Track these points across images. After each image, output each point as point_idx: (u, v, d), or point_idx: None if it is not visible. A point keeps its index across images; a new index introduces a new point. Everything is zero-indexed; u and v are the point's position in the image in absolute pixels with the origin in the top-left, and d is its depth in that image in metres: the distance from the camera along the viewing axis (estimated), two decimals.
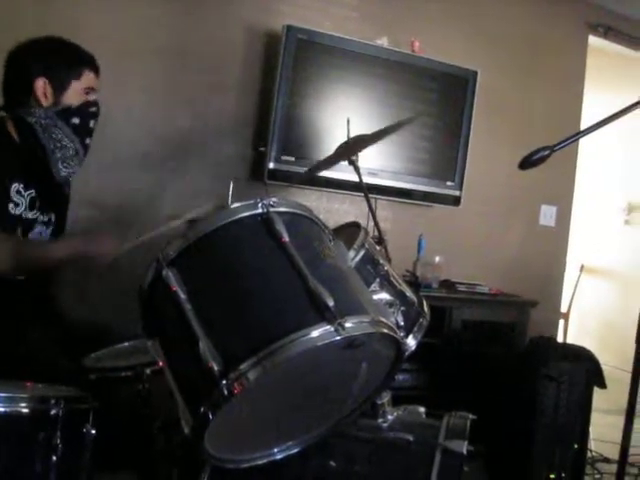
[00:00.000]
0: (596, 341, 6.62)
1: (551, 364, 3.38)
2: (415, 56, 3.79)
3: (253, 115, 3.60)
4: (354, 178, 2.56)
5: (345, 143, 2.50)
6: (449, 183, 3.87)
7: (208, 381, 1.17)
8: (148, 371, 1.70)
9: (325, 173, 3.49)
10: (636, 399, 1.74)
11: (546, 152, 1.61)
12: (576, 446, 3.42)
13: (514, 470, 3.32)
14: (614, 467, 3.27)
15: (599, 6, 4.61)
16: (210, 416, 1.19)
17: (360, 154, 2.53)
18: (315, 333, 1.17)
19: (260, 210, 1.29)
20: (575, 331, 7.23)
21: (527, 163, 1.62)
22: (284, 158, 3.49)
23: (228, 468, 1.42)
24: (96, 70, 2.19)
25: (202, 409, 1.19)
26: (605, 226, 7.31)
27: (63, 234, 2.30)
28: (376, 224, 2.50)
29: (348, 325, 1.20)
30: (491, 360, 3.48)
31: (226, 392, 1.16)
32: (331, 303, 1.19)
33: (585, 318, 7.33)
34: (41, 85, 2.06)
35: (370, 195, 2.73)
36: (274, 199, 1.30)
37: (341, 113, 3.50)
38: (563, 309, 6.37)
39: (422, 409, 1.75)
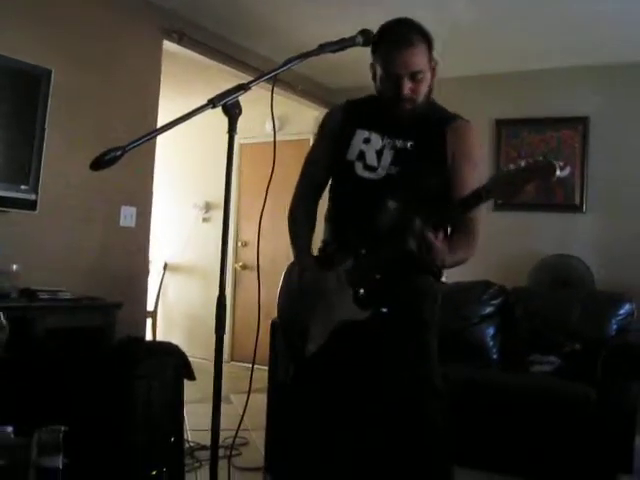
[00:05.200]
0: (184, 335, 6.89)
1: (140, 363, 3.41)
2: None
3: None
4: None
5: None
6: (23, 187, 3.66)
7: None
8: None
9: None
10: (221, 386, 1.83)
11: (118, 152, 1.59)
12: (173, 439, 3.51)
13: (115, 474, 3.28)
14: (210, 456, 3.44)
15: (174, 13, 4.75)
16: None
17: None
18: None
19: None
20: (164, 328, 7.43)
21: (99, 163, 1.59)
22: None
23: None
24: None
25: None
26: (185, 224, 7.61)
27: None
28: None
29: None
30: (81, 366, 3.39)
31: None
32: None
33: (172, 314, 7.57)
34: None
35: None
36: None
37: None
38: (150, 308, 6.50)
39: (10, 429, 1.63)
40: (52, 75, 3.77)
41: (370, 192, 2.31)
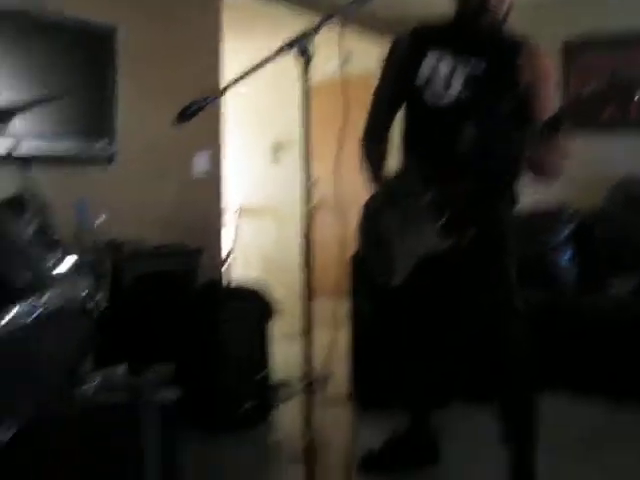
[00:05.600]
0: (261, 276, 7.02)
1: (224, 305, 3.54)
2: (51, 13, 3.58)
3: None
4: None
5: None
6: (101, 142, 3.78)
7: None
8: None
9: None
10: (310, 320, 1.89)
11: (199, 105, 1.66)
12: (260, 376, 3.65)
13: (206, 411, 3.43)
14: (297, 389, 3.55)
15: None
16: None
17: None
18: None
19: None
20: (241, 270, 7.59)
21: (184, 116, 1.66)
22: None
23: None
24: None
25: None
26: (256, 166, 7.69)
27: None
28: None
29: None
30: (170, 310, 3.54)
31: None
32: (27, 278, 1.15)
33: (248, 256, 7.71)
34: None
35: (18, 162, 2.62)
36: None
37: None
38: (227, 252, 6.62)
39: (123, 368, 1.75)
40: (117, 32, 3.87)
41: (442, 117, 2.33)
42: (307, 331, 1.84)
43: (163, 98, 4.17)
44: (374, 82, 2.62)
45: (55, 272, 1.35)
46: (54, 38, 3.61)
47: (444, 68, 2.34)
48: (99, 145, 3.77)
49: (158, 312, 3.50)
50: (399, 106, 2.50)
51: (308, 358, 1.82)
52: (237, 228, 7.57)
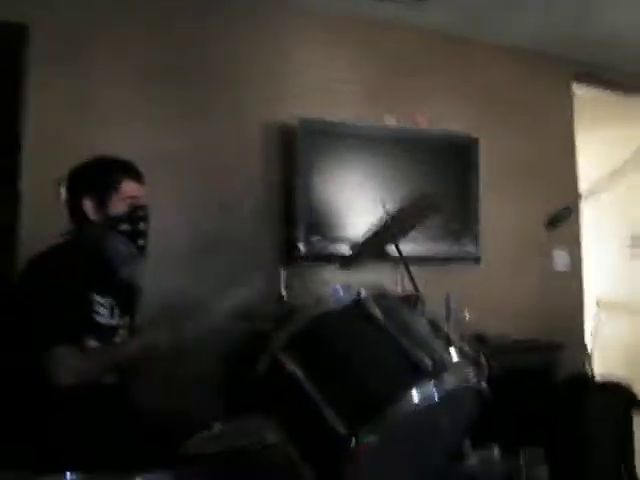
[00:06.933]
0: (622, 371, 6.74)
1: (592, 399, 3.57)
2: (419, 130, 4.10)
3: (278, 204, 3.83)
4: None
5: (386, 226, 2.78)
6: (467, 242, 4.14)
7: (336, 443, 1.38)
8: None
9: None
10: None
11: (568, 213, 1.85)
12: (623, 470, 3.58)
13: None
14: None
15: (580, 60, 4.93)
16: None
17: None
18: (420, 393, 1.40)
19: (355, 297, 1.53)
20: (599, 365, 7.34)
21: (552, 224, 1.86)
22: (312, 239, 3.73)
23: None
24: (137, 177, 2.38)
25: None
26: (613, 259, 7.48)
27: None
28: (415, 288, 2.78)
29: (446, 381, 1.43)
30: (533, 402, 3.65)
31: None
32: (429, 364, 1.42)
33: (606, 351, 7.45)
34: (88, 205, 2.27)
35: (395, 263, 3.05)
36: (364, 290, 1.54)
37: (358, 191, 3.82)
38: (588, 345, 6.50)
39: (496, 448, 1.94)
40: (479, 141, 4.26)
41: None
42: None
43: (518, 197, 4.46)
44: None
45: (448, 358, 1.61)
46: (428, 150, 4.14)
47: None
48: (466, 246, 4.13)
49: (521, 403, 3.63)
50: None
51: None
52: (597, 322, 7.40)
